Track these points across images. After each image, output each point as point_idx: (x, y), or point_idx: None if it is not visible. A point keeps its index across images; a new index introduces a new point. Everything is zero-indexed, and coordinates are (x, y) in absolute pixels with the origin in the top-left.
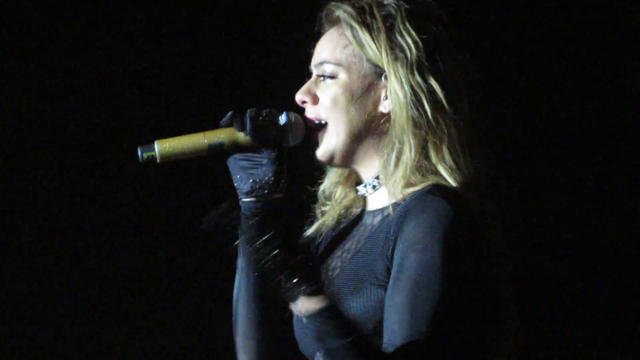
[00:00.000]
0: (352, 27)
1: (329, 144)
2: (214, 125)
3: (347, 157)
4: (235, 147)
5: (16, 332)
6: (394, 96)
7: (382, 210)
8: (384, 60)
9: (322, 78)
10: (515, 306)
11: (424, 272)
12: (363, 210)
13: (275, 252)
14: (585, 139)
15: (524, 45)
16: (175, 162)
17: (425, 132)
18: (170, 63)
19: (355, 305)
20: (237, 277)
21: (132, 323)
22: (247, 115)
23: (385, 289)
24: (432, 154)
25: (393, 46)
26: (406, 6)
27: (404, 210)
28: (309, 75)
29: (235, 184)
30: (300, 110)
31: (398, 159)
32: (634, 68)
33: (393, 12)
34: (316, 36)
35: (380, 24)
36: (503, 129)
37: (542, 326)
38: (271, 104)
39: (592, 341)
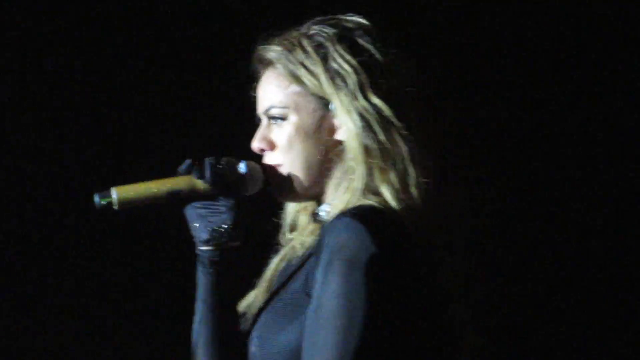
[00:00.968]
0: (288, 67)
1: (289, 184)
2: (172, 174)
3: (309, 193)
4: (194, 195)
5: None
6: (343, 126)
7: None
8: (326, 91)
9: (273, 121)
10: (468, 327)
11: (340, 320)
12: None
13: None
14: (582, 140)
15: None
16: (133, 209)
17: (377, 155)
18: (128, 105)
19: (286, 339)
20: (195, 325)
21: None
22: (205, 163)
23: None
24: (377, 176)
25: (332, 76)
26: (333, 31)
27: (323, 232)
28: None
29: (192, 233)
30: (258, 158)
31: (348, 186)
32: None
33: (323, 40)
34: (255, 80)
35: (314, 56)
36: (495, 130)
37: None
38: (229, 152)
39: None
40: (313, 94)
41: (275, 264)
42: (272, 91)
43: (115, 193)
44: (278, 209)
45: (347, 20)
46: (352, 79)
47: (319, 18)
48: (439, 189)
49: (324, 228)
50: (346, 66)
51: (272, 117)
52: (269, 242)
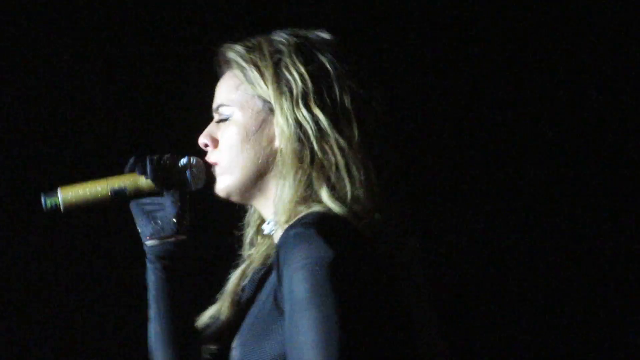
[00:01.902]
0: (242, 67)
1: (225, 182)
2: (118, 172)
3: (245, 194)
4: (138, 192)
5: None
6: (279, 131)
7: None
8: (271, 95)
9: (221, 119)
10: (436, 337)
11: (317, 334)
12: None
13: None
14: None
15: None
16: (80, 210)
17: (309, 163)
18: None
19: (270, 347)
20: (150, 325)
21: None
22: (147, 159)
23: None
24: (316, 184)
25: (279, 80)
26: (295, 40)
27: (277, 247)
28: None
29: (138, 228)
30: (203, 154)
31: (280, 194)
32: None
33: (281, 47)
34: (216, 80)
35: (268, 60)
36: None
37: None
38: (175, 148)
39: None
40: (260, 97)
41: (236, 277)
42: (224, 90)
43: (61, 194)
44: (239, 222)
45: (312, 33)
46: (298, 86)
47: (289, 29)
48: (383, 199)
49: (279, 242)
50: (295, 74)
51: (220, 118)
52: (226, 255)
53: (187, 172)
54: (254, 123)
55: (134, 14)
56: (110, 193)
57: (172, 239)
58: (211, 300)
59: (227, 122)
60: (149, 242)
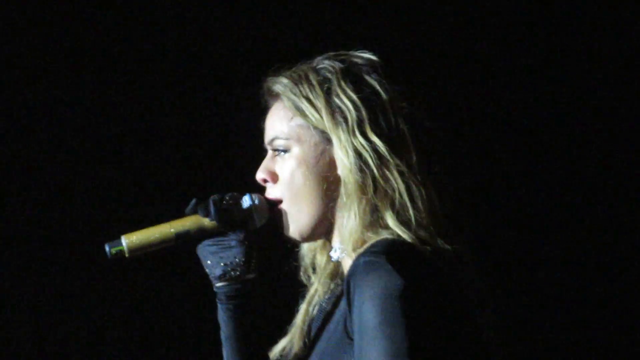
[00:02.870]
0: (292, 100)
1: (294, 221)
2: (179, 215)
3: (316, 232)
4: (203, 234)
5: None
6: (339, 162)
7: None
8: (327, 126)
9: (277, 153)
10: (499, 352)
11: (379, 350)
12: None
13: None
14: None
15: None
16: (144, 255)
17: (373, 192)
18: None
19: None
20: None
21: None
22: (210, 200)
23: None
24: (381, 210)
25: (333, 110)
26: (341, 66)
27: (348, 276)
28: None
29: (207, 271)
30: (263, 190)
31: (346, 224)
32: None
33: (329, 75)
34: (263, 112)
35: (318, 90)
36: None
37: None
38: (235, 188)
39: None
40: (316, 128)
41: (304, 309)
42: (276, 123)
43: (125, 241)
44: (294, 248)
45: (356, 56)
46: (352, 115)
47: (331, 53)
48: (446, 221)
49: (350, 271)
50: (347, 102)
51: (275, 149)
52: (290, 283)
53: (252, 210)
54: (313, 155)
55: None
56: (175, 236)
57: (242, 279)
58: (281, 334)
59: (285, 155)
60: (219, 284)
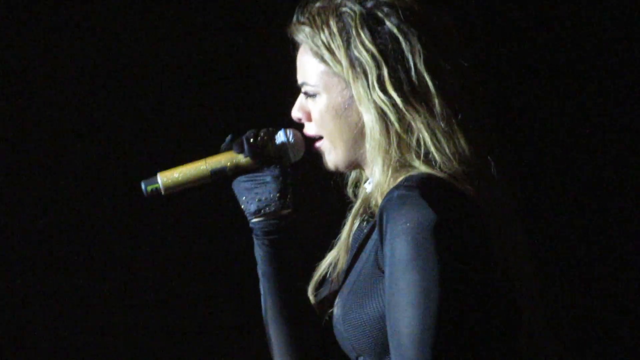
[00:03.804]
0: (313, 48)
1: (330, 156)
2: (215, 151)
3: (350, 164)
4: (238, 170)
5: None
6: (362, 115)
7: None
8: (348, 79)
9: (307, 95)
10: (538, 301)
11: (418, 295)
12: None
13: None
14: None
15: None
16: (181, 192)
17: (397, 144)
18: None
19: (371, 307)
20: (262, 299)
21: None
22: (244, 137)
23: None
24: (407, 157)
25: (352, 63)
26: (361, 9)
27: (381, 208)
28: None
29: (242, 207)
30: (300, 126)
31: (375, 173)
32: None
33: (349, 21)
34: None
35: (338, 40)
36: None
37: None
38: (272, 122)
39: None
40: (340, 76)
41: (350, 223)
42: (304, 68)
43: (161, 178)
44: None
45: None
46: (370, 69)
47: None
48: (477, 162)
49: (382, 203)
50: (366, 55)
51: (305, 92)
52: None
53: (286, 146)
54: (341, 101)
55: None
56: (210, 173)
57: (278, 214)
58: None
59: (315, 99)
60: (255, 219)
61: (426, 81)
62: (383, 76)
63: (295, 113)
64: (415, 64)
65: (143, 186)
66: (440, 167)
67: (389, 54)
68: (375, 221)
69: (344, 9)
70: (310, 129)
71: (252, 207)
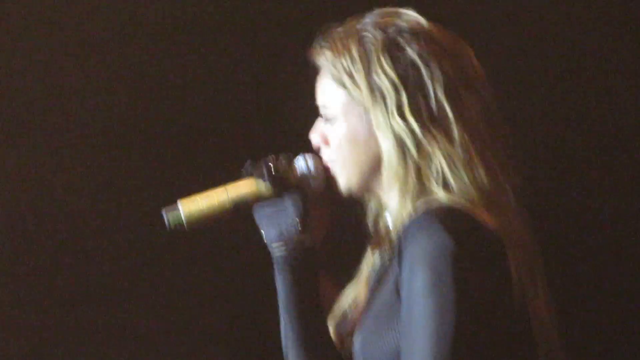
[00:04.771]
0: (334, 74)
1: (343, 181)
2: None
3: (364, 189)
4: (258, 198)
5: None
6: (380, 141)
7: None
8: (367, 106)
9: (325, 119)
10: (554, 335)
11: (433, 323)
12: None
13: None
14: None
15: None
16: (202, 225)
17: (415, 171)
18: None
19: (392, 337)
20: (282, 327)
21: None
22: (263, 163)
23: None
24: (427, 185)
25: (372, 90)
26: (383, 36)
27: (399, 236)
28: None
29: (262, 232)
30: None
31: (392, 202)
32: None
33: (370, 47)
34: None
35: (359, 66)
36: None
37: None
38: (281, 146)
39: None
40: (359, 102)
41: (369, 255)
42: (323, 92)
43: (182, 209)
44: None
45: (402, 18)
46: (390, 96)
47: (378, 12)
48: (497, 189)
49: (401, 231)
50: (386, 81)
51: (324, 115)
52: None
53: (305, 172)
54: (360, 128)
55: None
56: (232, 205)
57: (298, 242)
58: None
59: (333, 123)
60: (275, 245)
61: (445, 109)
62: (402, 103)
63: (315, 137)
64: (435, 92)
65: (165, 217)
66: (458, 196)
67: (408, 80)
68: (395, 251)
69: (365, 34)
70: (326, 154)
71: (273, 234)
